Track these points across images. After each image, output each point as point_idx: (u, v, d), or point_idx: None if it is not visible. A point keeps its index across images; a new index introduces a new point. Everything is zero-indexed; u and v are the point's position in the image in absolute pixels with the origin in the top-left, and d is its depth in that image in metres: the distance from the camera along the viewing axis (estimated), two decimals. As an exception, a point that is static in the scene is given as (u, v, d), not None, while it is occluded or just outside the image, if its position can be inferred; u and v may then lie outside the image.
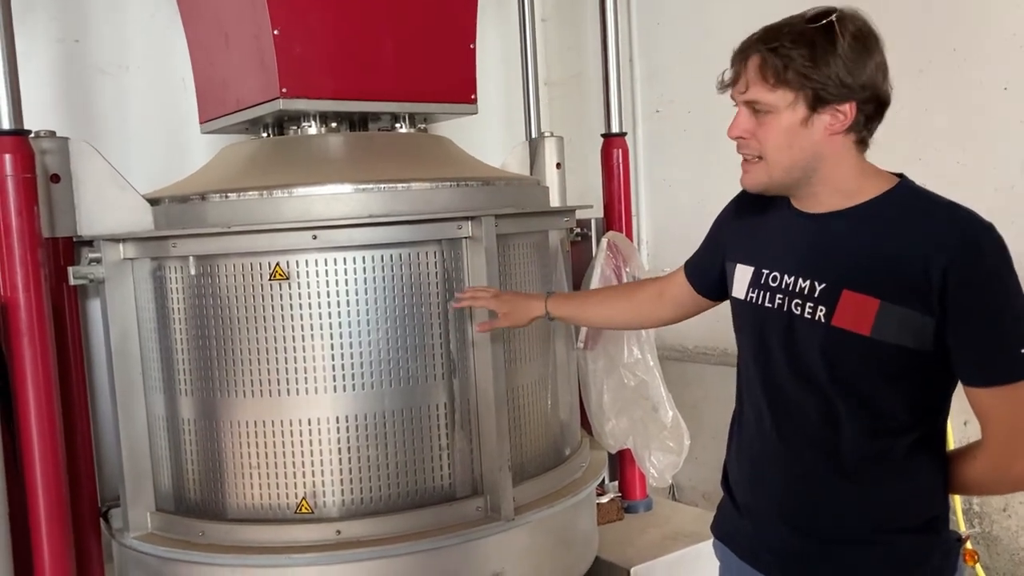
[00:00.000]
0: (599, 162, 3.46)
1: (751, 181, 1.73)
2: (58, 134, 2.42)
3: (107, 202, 2.45)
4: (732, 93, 1.71)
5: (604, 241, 3.00)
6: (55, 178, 2.39)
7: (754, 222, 1.90)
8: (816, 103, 1.64)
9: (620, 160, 3.37)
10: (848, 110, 1.64)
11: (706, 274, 2.08)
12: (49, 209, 2.38)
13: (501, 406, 2.43)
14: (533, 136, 3.55)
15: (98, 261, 2.42)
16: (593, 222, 3.32)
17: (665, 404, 2.93)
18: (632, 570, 2.90)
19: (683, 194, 4.18)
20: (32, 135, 2.31)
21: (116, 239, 2.41)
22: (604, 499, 3.26)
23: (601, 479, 2.91)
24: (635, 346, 2.89)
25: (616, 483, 3.44)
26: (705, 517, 3.36)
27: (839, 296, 1.65)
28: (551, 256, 2.77)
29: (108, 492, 2.61)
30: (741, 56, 1.68)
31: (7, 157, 2.20)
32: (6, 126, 2.21)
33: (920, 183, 1.72)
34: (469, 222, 2.40)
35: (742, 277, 1.87)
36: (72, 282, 2.39)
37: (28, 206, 2.23)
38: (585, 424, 3.08)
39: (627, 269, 2.95)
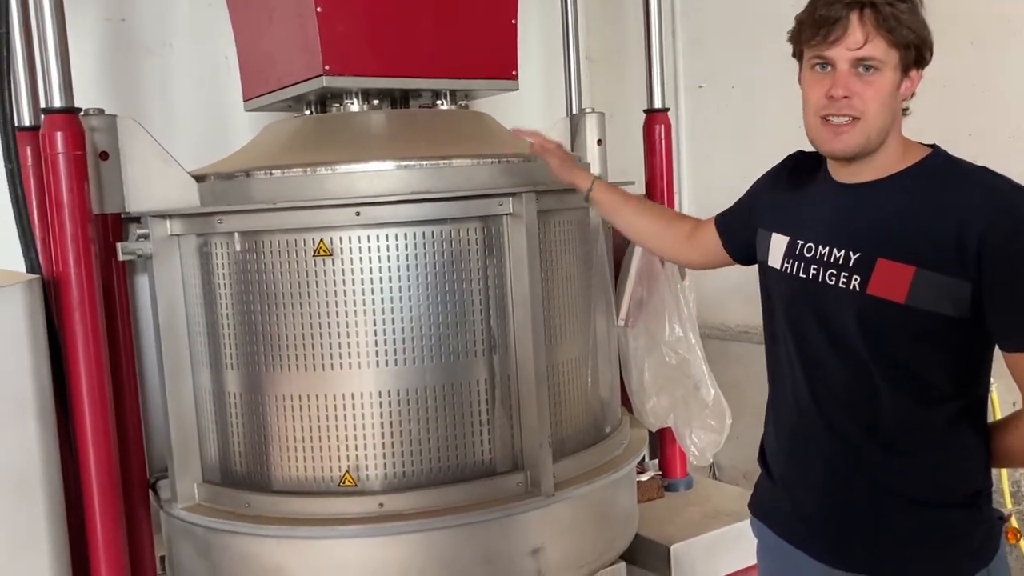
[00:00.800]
0: (640, 138, 3.43)
1: (847, 144, 1.67)
2: (105, 112, 2.46)
3: (154, 179, 2.48)
4: (830, 49, 1.63)
5: (646, 218, 2.98)
6: (104, 155, 2.43)
7: (791, 193, 1.89)
8: (908, 65, 1.64)
9: (662, 136, 3.33)
10: (917, 76, 1.65)
11: (734, 233, 2.10)
12: (98, 186, 2.42)
13: (541, 382, 2.43)
14: (574, 112, 3.53)
15: (146, 237, 2.46)
16: (635, 199, 3.30)
17: (707, 382, 2.91)
18: (672, 548, 2.90)
19: (725, 170, 4.13)
20: (82, 113, 2.35)
21: (163, 215, 2.45)
22: (644, 477, 3.26)
23: (641, 457, 2.91)
24: (676, 324, 2.88)
25: (656, 461, 3.43)
26: (746, 496, 3.33)
27: (874, 264, 1.65)
28: (591, 233, 2.76)
29: (156, 464, 2.67)
30: (846, 8, 1.61)
31: (58, 135, 2.24)
32: (58, 104, 2.25)
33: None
34: (510, 199, 2.40)
35: (777, 246, 1.87)
36: (121, 258, 2.44)
37: (79, 183, 2.27)
38: (625, 402, 3.07)
39: (669, 246, 2.93)
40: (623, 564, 2.76)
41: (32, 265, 2.40)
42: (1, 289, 2.11)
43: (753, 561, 2.99)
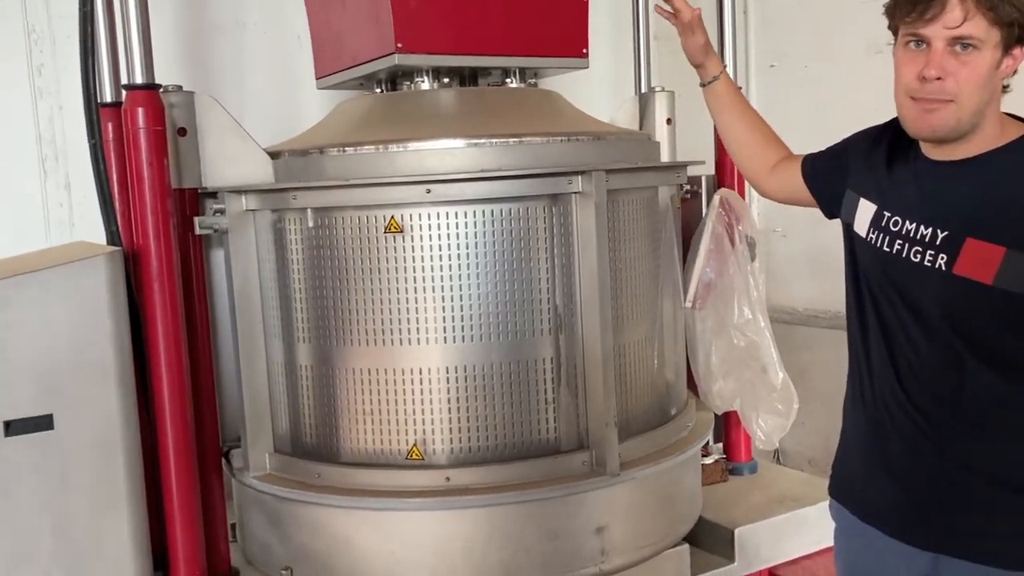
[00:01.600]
0: (710, 118, 3.37)
1: (936, 127, 1.63)
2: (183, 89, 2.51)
3: (230, 155, 2.54)
4: (926, 27, 1.59)
5: (716, 198, 2.95)
6: (182, 131, 2.49)
7: (885, 161, 1.84)
8: (1010, 43, 1.59)
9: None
10: (1021, 54, 1.60)
11: (819, 178, 2.06)
12: (176, 161, 2.47)
13: (608, 362, 2.43)
14: (643, 91, 3.49)
15: (222, 212, 2.52)
16: (704, 179, 3.26)
17: (775, 365, 2.88)
18: (737, 531, 2.88)
19: (796, 152, 4.05)
20: (161, 90, 2.40)
21: (239, 191, 2.50)
22: (709, 460, 3.24)
23: (706, 440, 2.89)
24: (746, 306, 2.85)
25: (721, 445, 3.41)
26: (812, 482, 3.32)
27: (962, 244, 1.61)
28: (661, 213, 2.74)
29: (229, 433, 2.74)
30: None
31: (140, 110, 2.30)
32: (139, 80, 2.31)
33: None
34: (579, 177, 2.39)
35: (864, 213, 1.83)
36: (198, 231, 2.50)
37: (158, 158, 2.33)
38: (691, 385, 3.05)
39: (739, 227, 2.90)
40: (686, 546, 2.75)
41: (113, 238, 2.47)
42: (84, 260, 2.18)
43: (820, 546, 3.00)
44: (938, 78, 1.59)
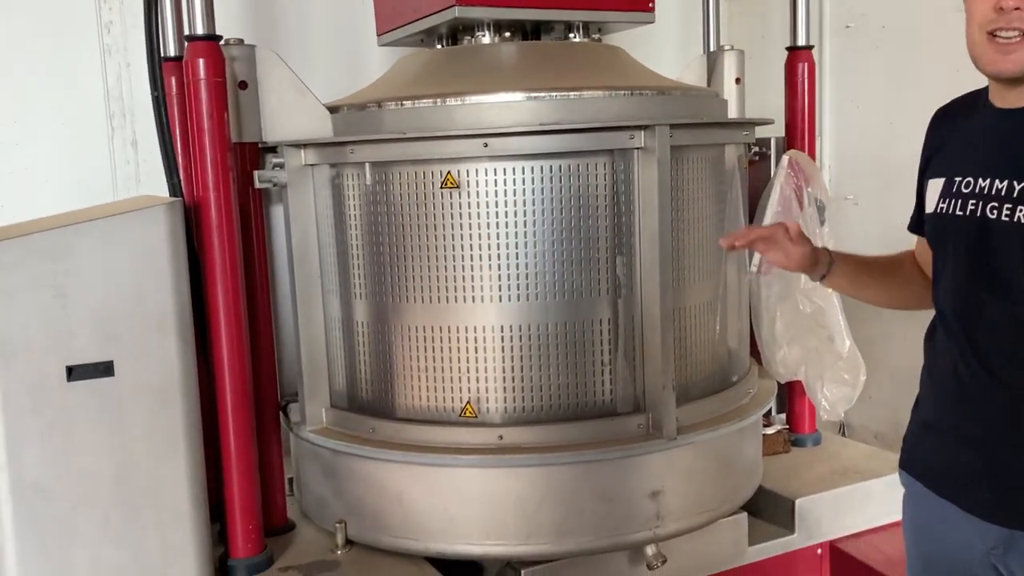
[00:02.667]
0: (781, 80, 3.27)
1: (1017, 61, 1.54)
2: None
3: (290, 109, 2.53)
4: None
5: (785, 159, 2.85)
6: (243, 85, 2.49)
7: (947, 135, 1.78)
8: None
9: (805, 75, 3.17)
10: None
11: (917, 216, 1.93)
12: (237, 115, 2.47)
13: (667, 325, 2.37)
14: (711, 49, 3.39)
15: (281, 167, 2.52)
16: (773, 141, 3.16)
17: (843, 333, 2.78)
18: (797, 502, 2.81)
19: (872, 116, 3.90)
20: (223, 42, 2.40)
21: (298, 145, 2.50)
22: (770, 430, 3.16)
23: (768, 408, 2.81)
24: (812, 271, 2.74)
25: (784, 415, 3.32)
26: (878, 455, 3.22)
27: None
28: (727, 173, 2.65)
29: (287, 387, 2.76)
30: None
31: (200, 62, 2.30)
32: (200, 32, 2.31)
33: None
34: (642, 132, 2.33)
35: (933, 191, 1.76)
36: (257, 185, 2.50)
37: (219, 110, 2.33)
38: (754, 352, 2.97)
39: (808, 189, 2.80)
40: (744, 515, 2.69)
41: (174, 190, 2.49)
42: (144, 210, 2.20)
43: (884, 521, 2.91)
44: (1016, 8, 1.50)
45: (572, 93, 2.37)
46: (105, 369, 2.17)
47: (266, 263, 2.66)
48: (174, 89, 2.65)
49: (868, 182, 3.93)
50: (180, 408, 2.27)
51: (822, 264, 2.02)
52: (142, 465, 2.23)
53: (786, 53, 3.27)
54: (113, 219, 2.16)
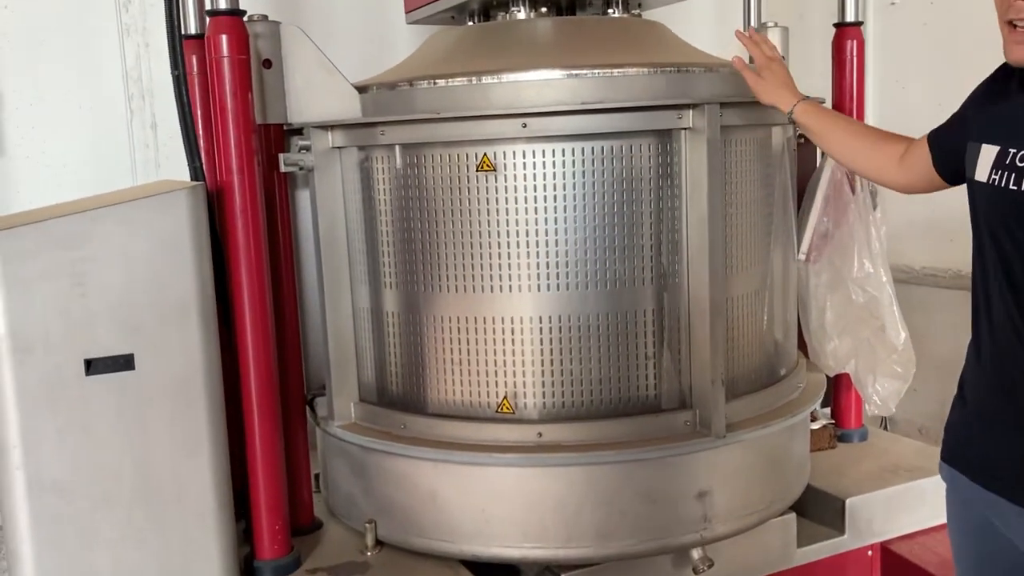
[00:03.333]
0: (819, 60, 3.12)
1: None
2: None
3: (316, 89, 2.41)
4: None
5: (836, 141, 2.69)
6: (267, 63, 2.37)
7: (1005, 100, 1.69)
8: None
9: (854, 52, 3.01)
10: None
11: (945, 149, 1.88)
12: (261, 95, 2.36)
13: (717, 315, 2.24)
14: (752, 26, 3.23)
15: (307, 149, 2.40)
16: (819, 123, 3.00)
17: (897, 324, 2.64)
18: (848, 501, 2.67)
19: (919, 96, 3.74)
20: (246, 18, 2.28)
21: (326, 126, 2.38)
22: (815, 425, 3.02)
23: (818, 403, 2.67)
24: (866, 259, 2.61)
25: (828, 410, 3.19)
26: (928, 452, 3.07)
27: None
28: (775, 156, 2.51)
29: (313, 380, 2.65)
30: None
31: (223, 38, 2.18)
32: (223, 6, 2.19)
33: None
34: (690, 111, 2.19)
35: (986, 158, 1.67)
36: (283, 168, 2.38)
37: (243, 88, 2.22)
38: (800, 344, 2.83)
39: (861, 173, 2.64)
40: (793, 516, 2.57)
41: (196, 173, 2.38)
42: (165, 194, 2.08)
43: (937, 521, 2.77)
44: None
45: (615, 70, 2.23)
46: (125, 362, 2.06)
47: (291, 250, 2.55)
48: (195, 68, 2.52)
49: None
50: (204, 402, 2.16)
51: (782, 110, 2.17)
52: (165, 462, 2.12)
53: (829, 31, 3.12)
54: (133, 204, 2.05)
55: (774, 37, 3.03)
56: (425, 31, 3.04)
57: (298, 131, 2.46)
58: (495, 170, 2.22)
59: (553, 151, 2.20)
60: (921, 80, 3.72)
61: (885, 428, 4.02)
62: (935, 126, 1.95)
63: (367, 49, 3.41)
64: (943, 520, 2.76)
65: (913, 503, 2.78)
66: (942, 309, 3.63)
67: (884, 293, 2.62)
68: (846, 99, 3.03)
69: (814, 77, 3.21)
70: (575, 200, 2.22)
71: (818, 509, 2.73)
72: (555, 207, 2.23)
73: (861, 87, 3.04)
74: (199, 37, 2.52)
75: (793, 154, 2.62)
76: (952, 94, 2.09)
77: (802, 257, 2.68)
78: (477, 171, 2.23)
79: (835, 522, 2.70)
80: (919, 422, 3.88)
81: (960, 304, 3.69)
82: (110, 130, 3.21)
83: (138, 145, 3.24)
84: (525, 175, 2.22)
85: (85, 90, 3.16)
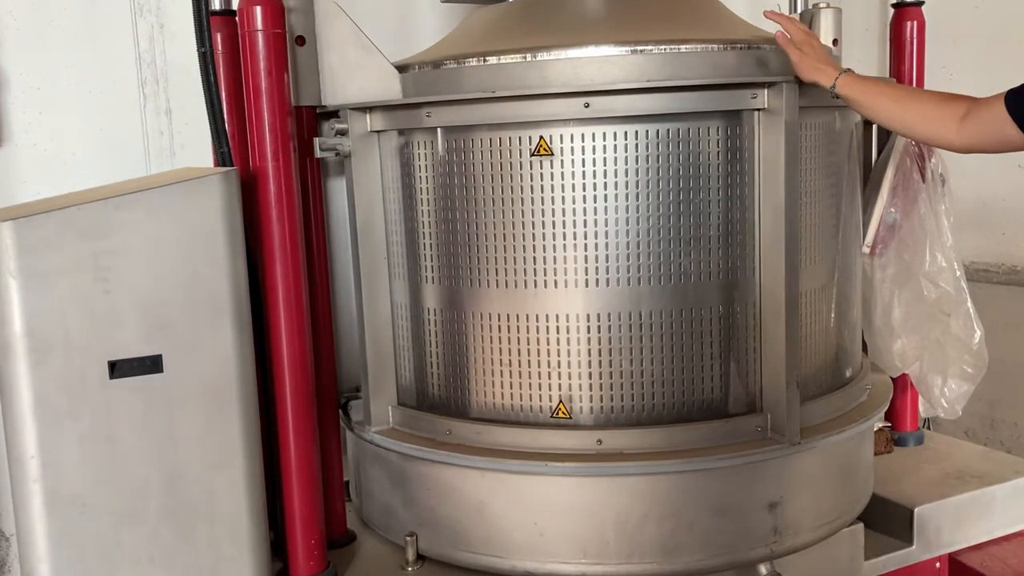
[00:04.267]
0: (863, 44, 2.96)
1: None
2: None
3: (353, 68, 2.23)
4: None
5: (906, 125, 2.52)
6: (300, 40, 2.19)
7: None
8: None
9: (914, 34, 2.85)
10: None
11: None
12: (294, 74, 2.18)
13: (792, 312, 2.07)
14: (799, 8, 3.06)
15: (344, 133, 2.22)
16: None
17: (973, 322, 2.47)
18: (916, 510, 2.51)
19: (967, 84, 3.56)
20: (278, -9, 2.10)
21: (364, 108, 2.20)
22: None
23: (887, 406, 2.51)
24: (939, 252, 2.44)
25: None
26: (992, 456, 2.92)
27: None
28: (840, 141, 2.34)
29: (346, 382, 2.48)
30: None
31: (257, 9, 2.00)
32: (257, -26, 2.01)
33: None
34: (765, 90, 2.02)
35: None
36: (318, 154, 2.20)
37: (279, 66, 2.04)
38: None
39: (931, 160, 2.48)
40: (861, 526, 2.41)
41: (224, 160, 2.19)
42: (196, 180, 1.90)
43: (1008, 531, 2.62)
44: None
45: (682, 46, 2.06)
46: (153, 364, 1.88)
47: (325, 242, 2.37)
48: (219, 47, 2.34)
49: (960, 156, 3.61)
50: (237, 408, 1.98)
51: (825, 82, 2.03)
52: (195, 475, 1.94)
53: (885, 11, 2.96)
54: (163, 190, 1.87)
55: (827, 19, 2.85)
56: (455, 13, 2.87)
57: (332, 114, 2.28)
58: (552, 155, 2.04)
59: (615, 134, 2.03)
60: (970, 67, 3.56)
61: (928, 428, 3.87)
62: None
63: (395, 31, 3.23)
64: (1014, 528, 2.65)
65: (983, 512, 2.62)
66: (993, 306, 3.47)
67: (959, 289, 2.45)
68: (906, 83, 2.86)
69: (864, 67, 3.05)
70: (637, 188, 2.05)
71: (883, 518, 2.57)
72: (616, 195, 2.05)
73: (921, 72, 2.88)
74: (225, 13, 2.34)
75: (859, 141, 2.45)
76: (1003, 82, 1.96)
77: (866, 250, 2.51)
78: (532, 156, 2.06)
79: (902, 532, 2.54)
80: (965, 423, 3.73)
81: (1015, 300, 3.55)
82: (122, 117, 3.02)
83: (152, 133, 3.05)
84: (584, 160, 2.04)
85: (95, 74, 2.96)
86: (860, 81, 2.06)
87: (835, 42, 2.87)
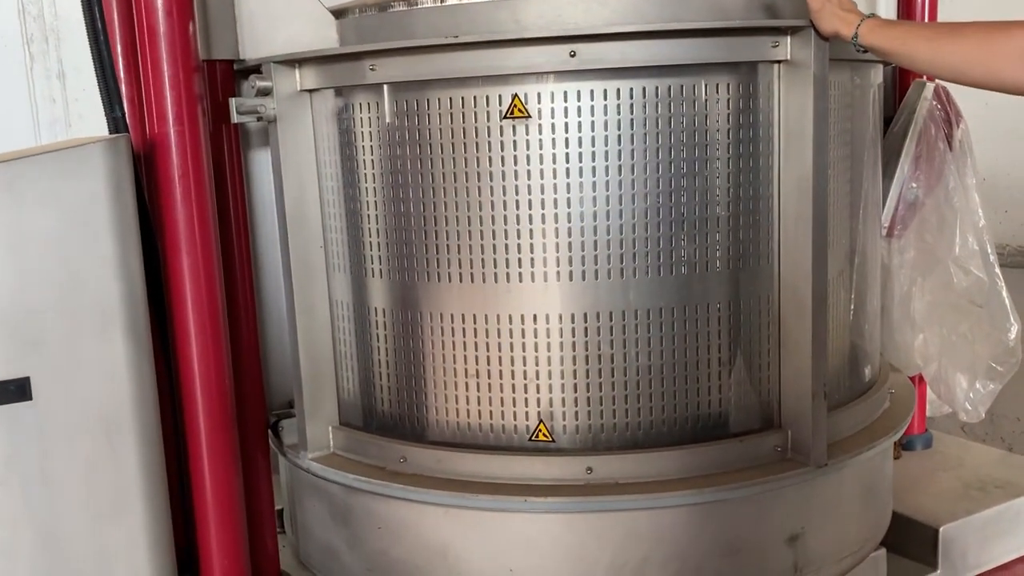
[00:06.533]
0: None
1: None
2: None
3: (278, 12, 1.86)
4: None
5: (930, 87, 2.19)
6: (211, -22, 1.76)
7: None
8: None
9: (926, 9, 2.52)
10: None
11: None
12: (204, 22, 1.77)
13: (820, 308, 1.73)
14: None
15: (267, 93, 1.80)
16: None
17: (1009, 314, 2.15)
18: (941, 530, 2.20)
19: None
20: (181, -87, 1.67)
21: (292, 61, 1.78)
22: (880, 432, 2.54)
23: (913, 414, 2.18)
24: (970, 234, 2.11)
25: (885, 411, 2.71)
26: (1012, 461, 2.62)
27: None
28: (863, 104, 1.99)
29: (277, 399, 2.08)
30: None
31: (150, -68, 1.57)
32: None
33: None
34: (788, 37, 1.66)
35: None
36: (234, 119, 1.79)
37: (181, 8, 1.61)
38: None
39: (960, 127, 2.15)
40: (883, 552, 2.09)
41: (117, 126, 1.76)
42: (71, 151, 1.47)
43: (1035, 549, 2.32)
44: None
45: (685, -16, 1.68)
46: (18, 390, 1.47)
47: (246, 229, 1.95)
48: (113, -7, 1.90)
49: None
50: (133, 440, 1.58)
51: (845, 38, 1.65)
52: (78, 529, 1.52)
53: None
54: (23, 163, 1.43)
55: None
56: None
57: (254, 70, 1.86)
58: (528, 117, 1.65)
59: (605, 92, 1.65)
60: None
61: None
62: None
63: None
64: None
65: (1009, 527, 2.32)
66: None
67: (992, 276, 2.13)
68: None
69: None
70: (632, 159, 1.69)
71: (903, 539, 2.24)
72: (606, 167, 1.69)
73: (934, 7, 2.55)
74: (116, -54, 1.89)
75: (881, 106, 2.11)
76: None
77: (882, 231, 2.18)
78: (504, 119, 1.67)
79: (925, 555, 2.22)
80: (969, 424, 3.46)
81: (1019, 283, 3.27)
82: (5, 81, 2.54)
83: (41, 99, 2.59)
84: (567, 124, 1.67)
85: (-31, 29, 2.49)
86: (886, 26, 1.68)
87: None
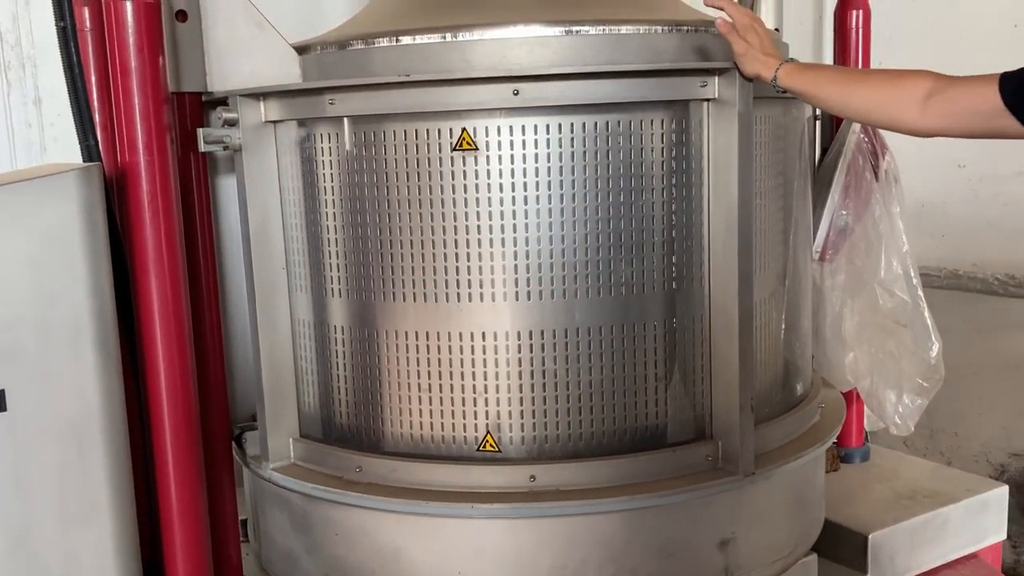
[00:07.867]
0: (823, 32, 2.78)
1: None
2: (186, -41, 1.89)
3: (244, 48, 1.93)
4: None
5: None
6: (181, 15, 1.88)
7: None
8: None
9: (859, 25, 2.68)
10: None
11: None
12: (174, 55, 1.87)
13: (747, 326, 1.86)
14: (740, -2, 2.87)
15: (233, 124, 1.91)
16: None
17: (931, 334, 2.30)
18: (871, 537, 2.33)
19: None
20: (154, -45, 1.78)
21: (257, 94, 1.89)
22: (818, 445, 2.67)
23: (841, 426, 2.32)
24: (894, 258, 2.26)
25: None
26: (944, 473, 2.77)
27: None
28: (791, 137, 2.14)
29: (240, 412, 2.17)
30: None
31: (124, -25, 1.69)
32: (122, -65, 1.69)
33: None
34: (716, 77, 1.79)
35: None
36: (202, 148, 1.89)
37: (152, 42, 1.72)
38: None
39: (885, 159, 2.30)
40: (815, 557, 2.20)
41: (91, 154, 1.86)
42: (48, 179, 1.58)
43: (960, 553, 2.47)
44: None
45: (623, 27, 1.82)
46: (-8, 402, 1.55)
47: (213, 251, 2.05)
48: (88, 23, 2.00)
49: (903, 156, 3.49)
50: (102, 449, 1.67)
51: (766, 74, 1.79)
52: (48, 533, 1.61)
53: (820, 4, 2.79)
54: (3, 190, 1.53)
55: (767, 6, 2.70)
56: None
57: (220, 102, 1.97)
58: (476, 149, 1.78)
59: (547, 126, 1.78)
60: (908, 60, 3.43)
61: (866, 440, 3.74)
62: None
63: (293, 11, 2.91)
64: (967, 550, 2.50)
65: (936, 534, 2.47)
66: (934, 313, 3.35)
67: (916, 298, 2.28)
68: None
69: (809, 54, 2.88)
70: (573, 188, 1.81)
71: (835, 545, 2.38)
72: (548, 196, 1.81)
73: (867, 64, 2.70)
74: (92, -16, 2.00)
75: (812, 138, 2.26)
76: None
77: (815, 256, 2.32)
78: (453, 151, 1.79)
79: (855, 560, 2.37)
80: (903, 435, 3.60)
81: (957, 304, 3.43)
82: (-19, 105, 2.64)
83: (18, 125, 2.68)
84: (512, 156, 1.79)
85: (-52, 56, 2.59)
86: (802, 70, 1.83)
87: (776, 30, 2.71)
